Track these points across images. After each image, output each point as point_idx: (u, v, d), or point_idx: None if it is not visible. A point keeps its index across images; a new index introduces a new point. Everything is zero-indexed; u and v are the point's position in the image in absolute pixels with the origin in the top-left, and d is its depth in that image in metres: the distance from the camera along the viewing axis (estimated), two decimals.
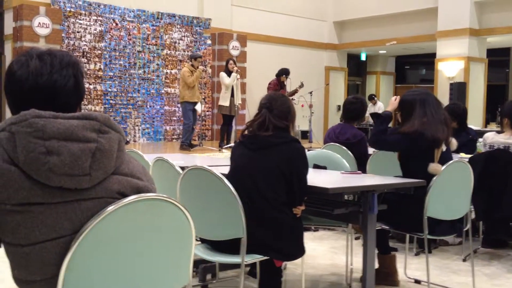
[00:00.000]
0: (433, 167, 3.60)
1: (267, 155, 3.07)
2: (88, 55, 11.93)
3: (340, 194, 3.22)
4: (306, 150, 3.25)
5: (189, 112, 10.19)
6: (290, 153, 3.08)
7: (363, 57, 18.79)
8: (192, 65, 10.26)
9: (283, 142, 3.10)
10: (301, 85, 11.65)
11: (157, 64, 13.05)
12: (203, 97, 13.28)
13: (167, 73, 13.18)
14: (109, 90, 12.27)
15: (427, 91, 4.02)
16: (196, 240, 2.09)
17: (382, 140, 3.88)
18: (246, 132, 3.22)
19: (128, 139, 12.20)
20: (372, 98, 15.36)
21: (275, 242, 3.02)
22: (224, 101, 10.55)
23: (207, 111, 13.94)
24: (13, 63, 1.66)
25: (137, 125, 12.75)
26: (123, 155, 1.68)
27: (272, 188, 3.03)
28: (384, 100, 17.06)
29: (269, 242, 3.01)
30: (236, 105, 10.63)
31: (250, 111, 12.35)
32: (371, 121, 14.83)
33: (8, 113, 1.68)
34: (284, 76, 11.08)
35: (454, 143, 3.96)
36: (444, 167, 3.56)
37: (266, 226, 3.00)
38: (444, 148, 3.76)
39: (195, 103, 10.30)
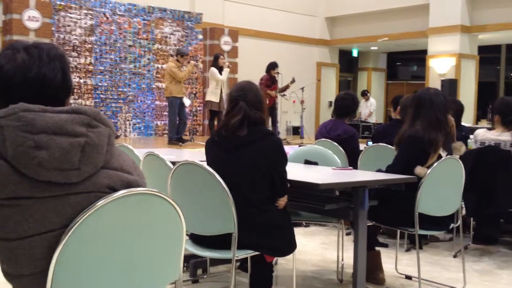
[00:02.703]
0: (419, 170, 3.58)
1: (244, 154, 2.99)
2: (78, 49, 11.87)
3: (331, 190, 3.21)
4: (283, 142, 3.17)
5: (176, 107, 10.15)
6: (267, 148, 3.01)
7: (354, 53, 18.81)
8: (178, 61, 10.19)
9: (258, 138, 3.02)
10: (293, 81, 11.67)
11: (148, 59, 13.00)
12: (194, 92, 13.23)
13: (158, 67, 13.13)
14: (100, 84, 12.21)
15: (424, 90, 3.93)
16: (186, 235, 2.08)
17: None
18: (223, 131, 3.09)
19: (118, 134, 12.15)
20: (365, 94, 15.39)
21: (264, 239, 3.00)
22: (215, 97, 10.53)
23: (199, 106, 13.90)
24: None
25: (128, 120, 12.71)
26: (113, 149, 1.67)
27: (253, 188, 2.98)
28: (375, 96, 17.09)
29: (259, 239, 2.99)
30: (224, 100, 10.63)
31: None
32: (362, 117, 14.87)
33: None
34: (274, 70, 11.10)
35: (459, 148, 3.89)
36: (435, 164, 3.56)
37: (253, 225, 2.97)
38: (444, 154, 3.73)
39: (182, 98, 10.27)
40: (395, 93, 14.09)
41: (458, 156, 3.89)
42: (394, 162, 3.77)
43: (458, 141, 4.10)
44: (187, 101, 10.58)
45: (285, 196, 3.14)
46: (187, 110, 11.01)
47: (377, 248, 4.25)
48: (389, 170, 3.74)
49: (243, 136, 3.01)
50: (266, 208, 3.02)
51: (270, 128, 11.33)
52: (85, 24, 11.98)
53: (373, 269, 4.12)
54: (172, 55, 12.96)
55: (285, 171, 3.09)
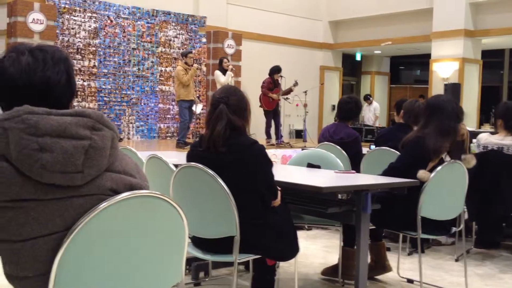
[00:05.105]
0: (421, 174, 3.57)
1: (229, 174, 2.88)
2: (82, 52, 11.88)
3: (333, 193, 3.22)
4: (265, 147, 3.07)
5: (184, 110, 10.25)
6: (250, 161, 2.92)
7: (358, 57, 18.80)
8: (186, 63, 10.28)
9: (240, 153, 2.92)
10: (295, 84, 11.64)
11: (152, 62, 13.01)
12: (197, 95, 13.23)
13: (161, 70, 13.14)
14: (103, 87, 12.22)
15: (435, 96, 3.95)
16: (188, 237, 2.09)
17: (390, 173, 3.79)
18: (209, 141, 2.96)
19: (122, 137, 12.16)
20: (367, 98, 15.37)
21: (266, 244, 2.99)
22: None
23: (202, 109, 13.91)
24: (4, 59, 1.64)
25: (131, 123, 12.71)
26: (116, 152, 1.67)
27: (245, 205, 2.90)
28: (379, 100, 17.07)
29: (261, 243, 2.98)
30: None
31: None
32: (365, 121, 14.86)
33: None
34: (277, 74, 11.09)
35: (469, 160, 3.90)
36: (438, 168, 3.56)
37: (253, 231, 2.96)
38: (447, 159, 3.72)
39: (191, 101, 10.32)
40: (398, 97, 14.07)
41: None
42: (396, 161, 3.80)
43: (469, 154, 4.09)
44: (198, 107, 10.64)
45: (278, 197, 3.08)
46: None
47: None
48: (389, 168, 3.75)
49: (224, 155, 2.91)
50: (263, 216, 2.99)
51: (270, 132, 11.40)
52: (89, 27, 12.00)
53: (381, 259, 4.20)
54: (176, 58, 13.00)
55: (271, 177, 3.02)
